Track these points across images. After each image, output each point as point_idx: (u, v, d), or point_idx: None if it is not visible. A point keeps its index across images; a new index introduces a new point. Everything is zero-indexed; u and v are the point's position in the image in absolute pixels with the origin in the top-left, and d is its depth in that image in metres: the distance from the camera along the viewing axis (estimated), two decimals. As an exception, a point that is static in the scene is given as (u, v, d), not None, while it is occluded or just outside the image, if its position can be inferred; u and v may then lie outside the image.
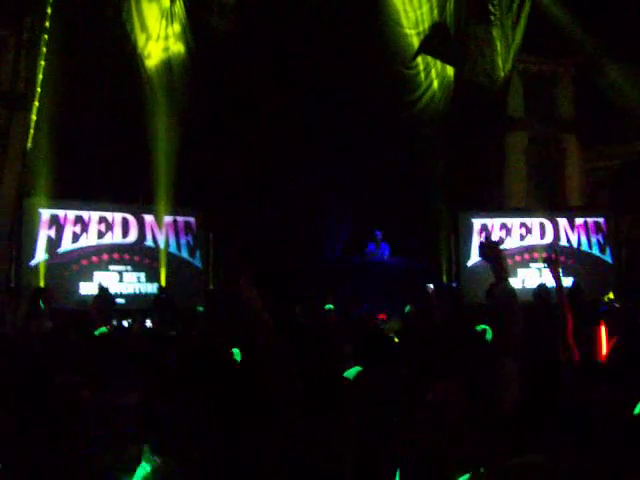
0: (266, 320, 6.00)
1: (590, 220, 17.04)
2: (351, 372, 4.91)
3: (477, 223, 16.71)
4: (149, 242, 15.31)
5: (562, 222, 16.96)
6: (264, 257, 14.86)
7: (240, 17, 16.31)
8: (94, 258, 14.69)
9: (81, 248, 14.58)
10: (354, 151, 16.47)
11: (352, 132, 16.31)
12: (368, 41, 16.60)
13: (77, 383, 4.17)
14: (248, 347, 5.86)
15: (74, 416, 3.92)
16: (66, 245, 14.46)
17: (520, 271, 16.48)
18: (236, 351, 5.84)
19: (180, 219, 15.73)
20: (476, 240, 16.33)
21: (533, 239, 16.89)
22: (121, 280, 14.91)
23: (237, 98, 15.92)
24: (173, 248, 15.55)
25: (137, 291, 15.03)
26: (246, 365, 5.50)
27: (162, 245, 15.35)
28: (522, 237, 16.90)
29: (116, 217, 15.04)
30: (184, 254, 15.70)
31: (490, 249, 4.89)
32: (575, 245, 16.87)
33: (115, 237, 14.99)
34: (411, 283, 14.07)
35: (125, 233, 15.10)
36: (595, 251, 16.85)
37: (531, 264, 16.64)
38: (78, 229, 14.58)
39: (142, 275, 15.17)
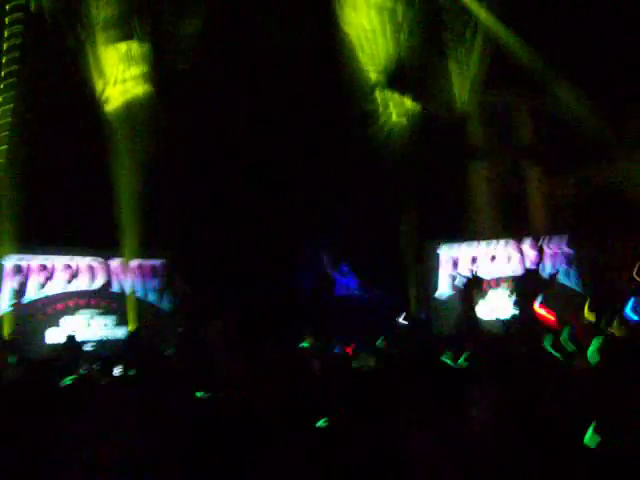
0: (229, 361, 6.00)
1: (554, 246, 17.22)
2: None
3: (443, 254, 16.80)
4: (116, 287, 15.24)
5: (527, 250, 17.11)
6: (234, 296, 14.83)
7: (198, 55, 16.35)
8: (60, 305, 14.58)
9: (47, 297, 14.47)
10: (318, 186, 16.53)
11: (315, 167, 16.38)
12: (326, 77, 16.71)
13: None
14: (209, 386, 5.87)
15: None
16: (31, 294, 14.33)
17: (489, 296, 16.57)
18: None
19: (145, 263, 15.65)
20: (443, 271, 16.40)
21: (500, 269, 17.01)
22: (89, 325, 14.77)
23: (200, 136, 15.93)
24: (140, 293, 15.45)
25: (105, 336, 14.89)
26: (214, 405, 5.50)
27: (129, 290, 15.24)
28: (490, 267, 17.01)
29: (81, 264, 14.97)
30: (151, 298, 15.61)
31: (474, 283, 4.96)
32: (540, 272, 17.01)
33: (81, 284, 14.91)
34: (380, 316, 14.07)
35: (91, 279, 15.01)
36: (560, 277, 16.99)
37: (499, 290, 16.70)
38: (43, 278, 14.47)
39: (110, 320, 15.04)
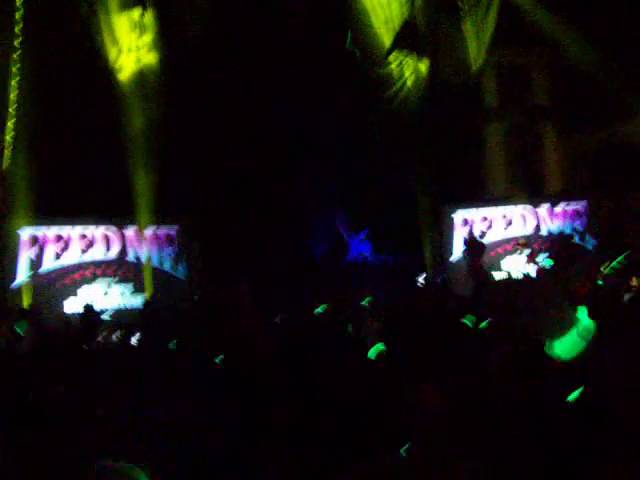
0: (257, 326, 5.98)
1: (569, 208, 17.09)
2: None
3: (458, 217, 16.70)
4: (131, 256, 15.31)
5: (542, 211, 17.00)
6: (251, 262, 14.85)
7: (211, 24, 16.21)
8: (77, 275, 14.67)
9: (63, 267, 14.55)
10: (334, 153, 16.49)
11: (331, 134, 16.34)
12: (340, 43, 16.62)
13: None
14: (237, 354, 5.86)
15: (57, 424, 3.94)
16: (48, 264, 14.44)
17: (503, 262, 16.49)
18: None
19: (161, 231, 15.69)
20: (458, 235, 16.31)
21: (515, 230, 16.90)
22: (106, 294, 14.86)
23: (213, 104, 15.88)
24: (155, 261, 15.50)
25: (122, 305, 14.97)
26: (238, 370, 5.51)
27: (144, 259, 15.28)
28: (504, 228, 16.91)
29: (97, 233, 15.04)
30: (166, 266, 15.68)
31: (473, 244, 4.87)
32: (555, 234, 16.87)
33: (97, 253, 15.00)
34: (396, 280, 14.04)
35: (107, 249, 15.08)
36: (575, 239, 16.86)
37: (513, 254, 16.59)
38: (59, 248, 14.56)
39: (126, 289, 15.11)
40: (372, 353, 5.08)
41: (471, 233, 15.25)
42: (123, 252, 15.25)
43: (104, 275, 14.95)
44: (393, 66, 17.79)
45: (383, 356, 5.03)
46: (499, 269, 16.35)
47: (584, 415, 2.93)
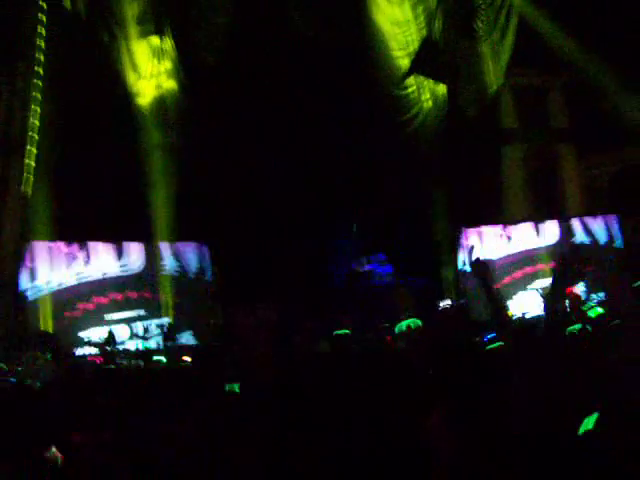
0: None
1: (588, 227, 16.98)
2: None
3: (476, 238, 16.63)
4: (151, 274, 15.18)
5: (574, 222, 16.86)
6: (268, 284, 14.88)
7: (231, 50, 16.34)
8: (99, 299, 14.50)
9: (84, 283, 14.46)
10: (352, 174, 16.52)
11: (349, 155, 16.37)
12: (359, 65, 16.67)
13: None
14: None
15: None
16: (67, 279, 14.37)
17: (530, 284, 16.41)
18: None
19: (181, 247, 15.64)
20: (476, 256, 16.21)
21: (536, 242, 16.76)
22: (126, 320, 14.74)
23: (233, 130, 15.97)
24: (176, 270, 15.44)
25: (142, 328, 14.84)
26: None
27: (165, 276, 15.21)
28: (523, 242, 16.79)
29: (117, 249, 15.01)
30: (190, 273, 15.58)
31: (479, 266, 4.83)
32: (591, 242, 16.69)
33: (116, 269, 14.88)
34: (418, 302, 13.98)
35: (127, 264, 14.99)
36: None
37: (528, 287, 16.39)
38: (79, 262, 14.46)
39: (145, 312, 14.95)
40: (402, 326, 4.97)
41: (477, 256, 15.08)
42: (144, 270, 15.14)
43: (125, 300, 14.78)
44: (411, 89, 17.84)
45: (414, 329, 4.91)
46: (525, 289, 16.38)
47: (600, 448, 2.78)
